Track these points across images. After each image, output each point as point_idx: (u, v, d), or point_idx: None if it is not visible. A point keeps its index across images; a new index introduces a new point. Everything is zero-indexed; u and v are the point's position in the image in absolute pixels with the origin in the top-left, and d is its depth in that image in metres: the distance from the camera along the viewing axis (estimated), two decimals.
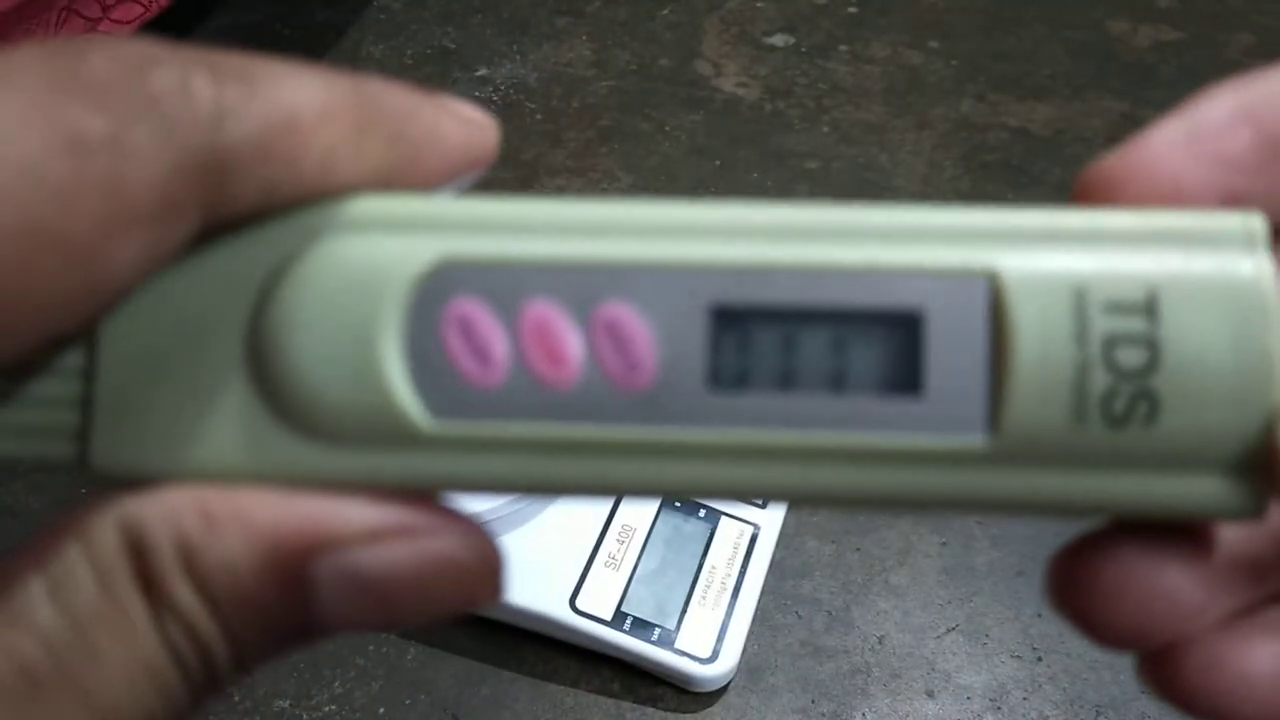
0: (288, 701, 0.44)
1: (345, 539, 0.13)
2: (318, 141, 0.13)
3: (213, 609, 0.12)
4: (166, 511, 0.13)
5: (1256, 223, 0.14)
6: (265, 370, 0.13)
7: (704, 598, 0.46)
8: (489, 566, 0.14)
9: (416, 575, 0.13)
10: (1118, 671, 0.46)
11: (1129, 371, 0.13)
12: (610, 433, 0.13)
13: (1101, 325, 0.13)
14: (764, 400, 0.13)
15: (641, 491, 0.14)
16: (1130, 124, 0.75)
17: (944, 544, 0.51)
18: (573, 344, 0.13)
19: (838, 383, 0.13)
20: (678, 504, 0.48)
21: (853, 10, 0.85)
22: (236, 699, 0.44)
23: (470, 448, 0.13)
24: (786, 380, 0.13)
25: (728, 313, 0.13)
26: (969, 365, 0.13)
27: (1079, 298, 0.13)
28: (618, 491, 0.14)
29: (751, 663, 0.46)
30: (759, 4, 0.86)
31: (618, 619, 0.45)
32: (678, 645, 0.44)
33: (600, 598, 0.45)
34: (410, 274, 0.13)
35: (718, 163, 0.72)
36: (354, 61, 0.79)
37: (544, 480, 0.14)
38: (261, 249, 0.13)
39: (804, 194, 0.69)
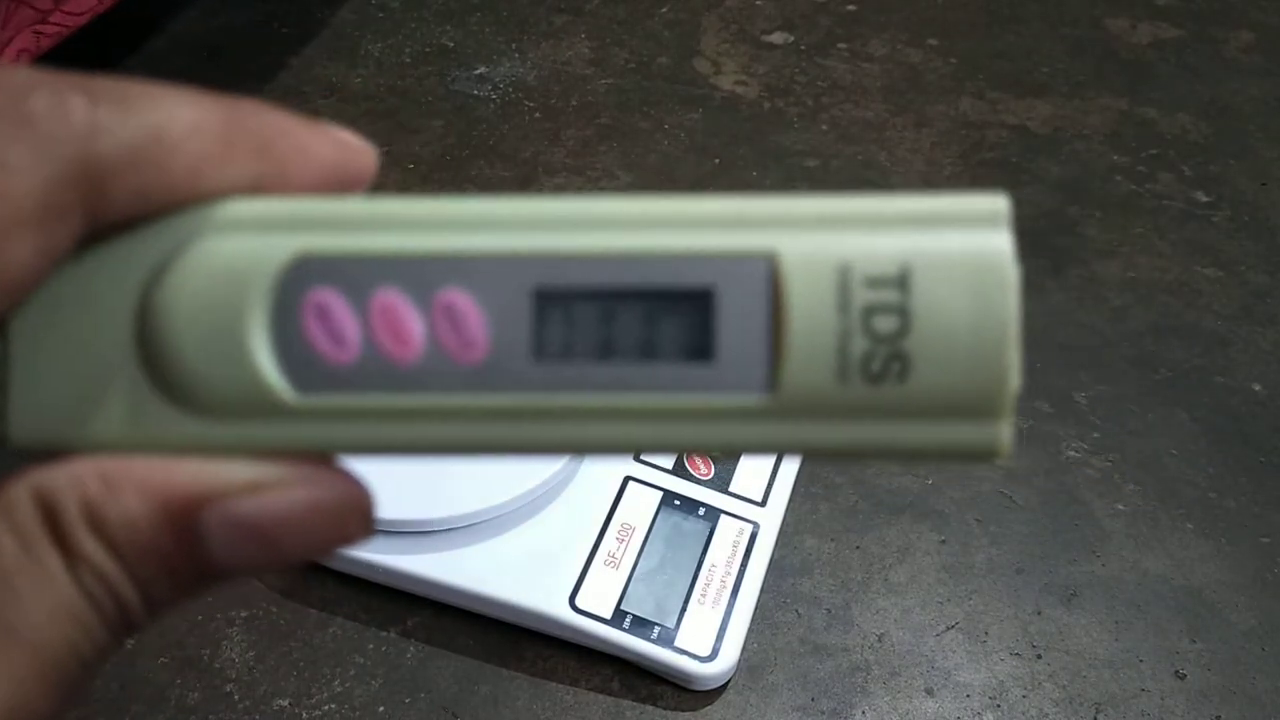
0: (288, 700, 0.44)
1: (227, 491, 0.15)
2: (185, 152, 0.15)
3: (118, 558, 0.14)
4: (72, 478, 0.15)
5: (1001, 203, 0.15)
6: (152, 355, 0.15)
7: (703, 596, 0.46)
8: (358, 507, 0.16)
9: (292, 518, 0.15)
10: (1117, 669, 0.46)
11: (883, 336, 0.15)
12: (450, 401, 0.15)
13: (861, 297, 0.15)
14: (581, 369, 0.15)
15: (479, 450, 0.16)
16: (1129, 121, 0.75)
17: (943, 542, 0.51)
18: (415, 325, 0.15)
19: (644, 352, 0.15)
20: (677, 502, 0.48)
21: (851, 8, 0.85)
22: (236, 698, 0.44)
23: (330, 417, 0.15)
24: (600, 351, 0.15)
25: (548, 294, 0.15)
26: (752, 334, 0.15)
27: (843, 274, 0.15)
28: (459, 450, 0.16)
29: (751, 661, 0.46)
30: (758, 2, 0.86)
31: (617, 617, 0.45)
32: (677, 643, 0.44)
33: (600, 596, 0.45)
34: (273, 268, 0.15)
35: (717, 161, 0.72)
36: (353, 60, 0.79)
37: (395, 443, 0.16)
38: (144, 247, 0.15)
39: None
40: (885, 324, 0.15)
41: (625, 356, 0.15)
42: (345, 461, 0.16)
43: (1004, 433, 0.15)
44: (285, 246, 0.15)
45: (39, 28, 0.58)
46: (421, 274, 0.15)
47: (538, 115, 0.75)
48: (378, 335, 0.15)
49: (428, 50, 0.80)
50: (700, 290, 0.15)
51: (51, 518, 0.14)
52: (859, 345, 0.15)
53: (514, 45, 0.81)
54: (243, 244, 0.15)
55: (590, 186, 0.69)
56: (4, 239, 0.13)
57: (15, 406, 0.15)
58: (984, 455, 0.15)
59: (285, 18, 0.82)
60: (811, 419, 0.15)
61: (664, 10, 0.85)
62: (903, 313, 0.15)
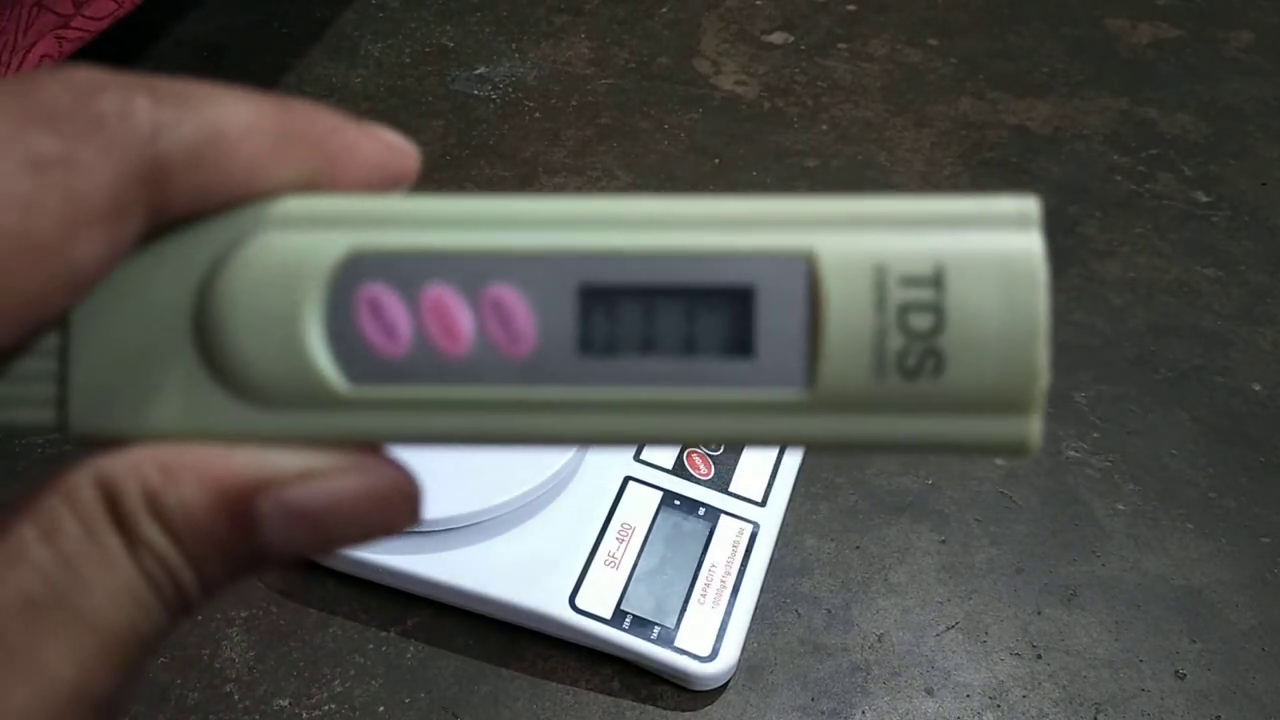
0: (287, 700, 0.44)
1: (281, 479, 0.15)
2: (243, 151, 0.15)
3: (177, 543, 0.15)
4: (132, 466, 0.15)
5: (1031, 205, 0.16)
6: (210, 347, 0.16)
7: (703, 596, 0.46)
8: (404, 495, 0.16)
9: (344, 505, 0.16)
10: (1117, 669, 0.46)
11: (919, 333, 0.15)
12: (497, 393, 0.16)
13: (897, 295, 0.15)
14: (625, 363, 0.16)
15: (525, 441, 0.16)
16: (1129, 121, 0.75)
17: (943, 542, 0.51)
18: (464, 320, 0.16)
19: (686, 347, 0.16)
20: (677, 502, 0.48)
21: (851, 8, 0.85)
22: (236, 698, 0.44)
23: (382, 407, 0.16)
24: (644, 346, 0.16)
25: (594, 291, 0.16)
26: (791, 330, 0.16)
27: (879, 273, 0.15)
28: (505, 441, 0.16)
29: (751, 661, 0.46)
30: (758, 2, 0.86)
31: (617, 617, 0.45)
32: (677, 643, 0.44)
33: (600, 596, 0.45)
34: (327, 263, 0.16)
35: (717, 161, 0.72)
36: (353, 60, 0.79)
37: (444, 433, 0.16)
38: (203, 243, 0.16)
39: (803, 192, 0.69)
40: (920, 321, 0.15)
41: (668, 351, 0.16)
42: (394, 451, 0.17)
43: (1035, 427, 0.16)
44: (339, 243, 0.16)
45: (61, 33, 0.58)
46: (471, 270, 0.16)
47: (538, 115, 0.75)
48: (428, 329, 0.16)
49: (428, 50, 0.80)
50: (741, 288, 0.16)
51: (113, 504, 0.15)
52: (895, 342, 0.15)
53: (514, 45, 0.81)
54: (298, 240, 0.16)
55: (590, 186, 0.69)
56: (73, 235, 0.14)
57: (76, 396, 0.16)
58: (1015, 449, 0.16)
59: (285, 18, 0.82)
60: (849, 413, 0.16)
61: (664, 10, 0.85)
62: (937, 310, 0.15)
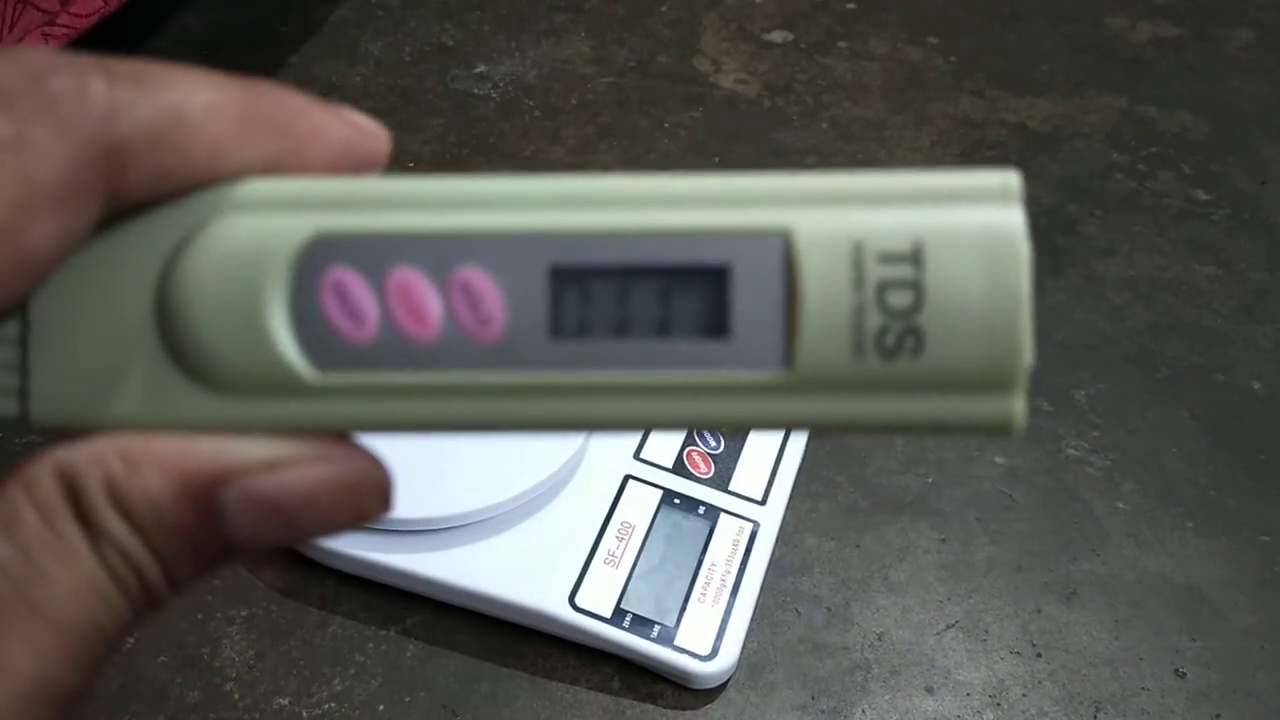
0: (287, 699, 0.44)
1: (246, 469, 0.15)
2: (204, 133, 0.15)
3: (140, 535, 0.15)
4: (94, 456, 0.15)
5: (1013, 180, 0.15)
6: (172, 334, 0.15)
7: (703, 595, 0.46)
8: (376, 485, 0.16)
9: (311, 495, 0.15)
10: (1117, 668, 0.46)
11: (898, 311, 0.15)
12: (467, 378, 0.15)
13: (875, 273, 0.15)
14: (598, 346, 0.15)
15: (497, 427, 0.16)
16: (1129, 119, 0.75)
17: (943, 540, 0.51)
18: (433, 304, 0.15)
19: (660, 329, 0.15)
20: (677, 501, 0.48)
21: (851, 6, 0.85)
22: (236, 696, 0.44)
23: (349, 394, 0.16)
24: (617, 328, 0.15)
25: (565, 272, 0.15)
26: (768, 310, 0.15)
27: (857, 250, 0.15)
28: (476, 428, 0.16)
29: (751, 659, 0.46)
30: (757, 0, 0.86)
31: (617, 616, 0.45)
32: (677, 642, 0.44)
33: (600, 595, 0.45)
34: (291, 247, 0.15)
35: (716, 159, 0.72)
36: (352, 58, 0.79)
37: (413, 420, 0.16)
38: (164, 227, 0.15)
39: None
40: (899, 299, 0.15)
41: (642, 333, 0.15)
42: (363, 439, 0.16)
43: (1018, 405, 0.15)
44: (303, 226, 0.15)
45: (47, 30, 0.58)
46: (438, 253, 0.15)
47: (538, 114, 0.75)
48: (395, 313, 0.15)
49: (427, 49, 0.80)
50: (716, 267, 0.15)
51: (74, 495, 0.14)
52: (873, 320, 0.15)
53: (514, 43, 0.81)
54: (261, 223, 0.15)
55: None
56: (27, 219, 0.13)
57: (36, 386, 0.16)
58: (998, 428, 0.15)
59: (285, 16, 0.82)
60: (827, 394, 0.15)
61: (664, 9, 0.84)
62: (916, 288, 0.15)
